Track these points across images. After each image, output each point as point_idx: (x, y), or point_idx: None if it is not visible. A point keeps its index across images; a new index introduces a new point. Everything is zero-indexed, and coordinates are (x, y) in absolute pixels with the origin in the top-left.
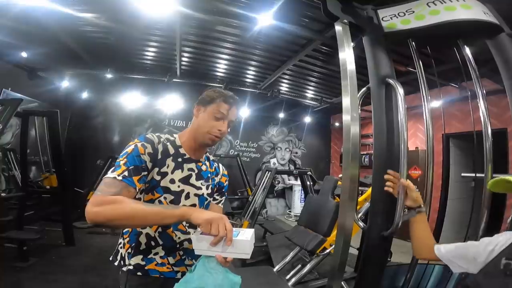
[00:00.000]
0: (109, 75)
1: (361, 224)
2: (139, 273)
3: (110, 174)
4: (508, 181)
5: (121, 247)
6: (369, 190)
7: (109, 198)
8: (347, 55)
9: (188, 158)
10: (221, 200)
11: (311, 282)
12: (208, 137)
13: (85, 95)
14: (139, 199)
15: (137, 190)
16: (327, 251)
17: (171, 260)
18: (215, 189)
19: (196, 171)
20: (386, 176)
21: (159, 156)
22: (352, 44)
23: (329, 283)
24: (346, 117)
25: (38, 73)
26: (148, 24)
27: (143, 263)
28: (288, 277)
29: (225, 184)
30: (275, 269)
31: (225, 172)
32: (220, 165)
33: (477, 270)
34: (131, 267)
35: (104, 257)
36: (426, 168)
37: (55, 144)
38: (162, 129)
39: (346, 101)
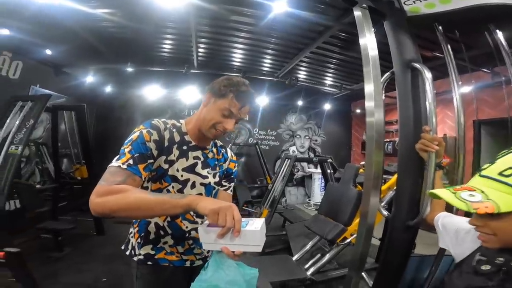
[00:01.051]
0: (129, 69)
1: (385, 213)
2: (149, 263)
3: (114, 163)
4: (435, 194)
5: (132, 237)
6: (393, 178)
7: (113, 188)
8: (368, 41)
9: (193, 145)
10: (230, 187)
11: (330, 272)
12: (211, 132)
13: (108, 88)
14: (147, 188)
15: (143, 179)
16: (348, 240)
17: (180, 249)
18: (223, 176)
19: (202, 159)
20: (422, 135)
21: (166, 144)
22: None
23: (349, 274)
24: (369, 104)
25: (63, 70)
26: (163, 17)
27: (152, 252)
28: (307, 266)
29: (233, 170)
30: (294, 258)
31: (234, 158)
32: (229, 151)
33: (457, 258)
34: (141, 257)
35: None
36: (457, 157)
37: (83, 136)
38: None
39: (369, 87)
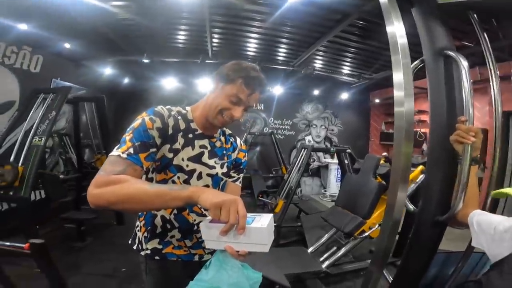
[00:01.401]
0: (146, 60)
1: (411, 207)
2: (157, 257)
3: (114, 152)
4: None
5: (138, 230)
6: (416, 170)
7: (112, 178)
8: (396, 28)
9: (200, 134)
10: (239, 178)
11: (345, 265)
12: (218, 119)
13: (126, 80)
14: (151, 179)
15: (144, 169)
16: (366, 234)
17: (187, 242)
18: (232, 166)
19: (209, 148)
20: (457, 125)
21: (170, 131)
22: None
23: (371, 269)
24: (398, 93)
25: (82, 62)
26: (176, 8)
27: (160, 246)
28: (322, 259)
29: (243, 160)
30: (309, 250)
31: (243, 147)
32: (238, 139)
33: (493, 258)
34: (148, 252)
35: None
36: (493, 151)
37: (104, 127)
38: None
39: (398, 76)
